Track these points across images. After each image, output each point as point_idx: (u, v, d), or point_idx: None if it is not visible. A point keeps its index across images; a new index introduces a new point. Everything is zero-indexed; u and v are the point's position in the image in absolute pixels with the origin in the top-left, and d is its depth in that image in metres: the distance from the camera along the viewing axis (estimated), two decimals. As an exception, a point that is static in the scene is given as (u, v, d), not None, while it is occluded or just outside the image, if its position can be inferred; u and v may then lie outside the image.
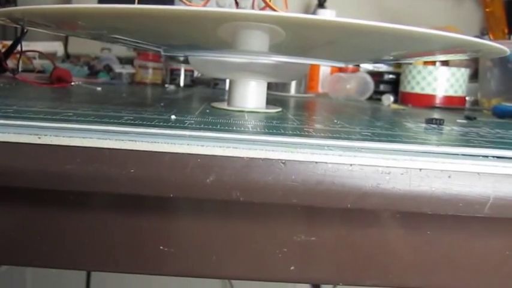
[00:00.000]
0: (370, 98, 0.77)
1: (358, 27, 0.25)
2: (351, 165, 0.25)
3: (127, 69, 0.79)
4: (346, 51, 0.35)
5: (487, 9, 0.68)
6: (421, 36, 0.26)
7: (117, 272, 0.30)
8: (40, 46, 0.93)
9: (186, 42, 0.37)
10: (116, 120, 0.28)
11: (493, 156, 0.26)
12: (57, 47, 1.02)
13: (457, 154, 0.26)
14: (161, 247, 0.29)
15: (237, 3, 0.41)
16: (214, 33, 0.34)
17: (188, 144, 0.24)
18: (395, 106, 0.63)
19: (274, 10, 0.34)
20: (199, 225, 0.29)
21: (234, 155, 0.24)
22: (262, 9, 0.37)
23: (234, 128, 0.28)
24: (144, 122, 0.28)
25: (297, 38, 0.35)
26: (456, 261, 0.29)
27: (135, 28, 0.33)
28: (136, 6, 0.23)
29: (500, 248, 0.29)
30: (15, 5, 1.02)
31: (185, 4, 0.40)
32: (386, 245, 0.29)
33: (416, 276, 0.29)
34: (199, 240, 0.29)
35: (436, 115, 0.55)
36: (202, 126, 0.28)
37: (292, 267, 0.29)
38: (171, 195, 0.25)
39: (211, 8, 0.25)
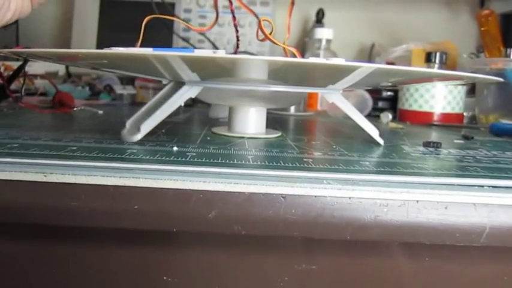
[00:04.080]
0: (368, 115, 0.78)
1: (353, 68, 0.26)
2: (350, 198, 0.25)
3: (128, 90, 0.80)
4: (344, 81, 0.36)
5: (482, 28, 0.68)
6: (418, 74, 0.27)
7: (121, 303, 0.30)
8: (42, 66, 0.93)
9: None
10: (119, 155, 0.29)
11: (489, 186, 0.27)
12: (58, 67, 1.03)
13: (453, 185, 0.27)
14: (165, 277, 0.29)
15: (237, 31, 0.41)
16: (214, 63, 0.35)
17: (190, 181, 0.25)
18: (393, 125, 0.63)
19: (273, 41, 0.35)
20: (202, 256, 0.29)
21: (236, 190, 0.25)
22: (263, 40, 0.38)
23: (235, 161, 0.29)
24: (147, 157, 0.29)
25: (294, 68, 0.36)
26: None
27: (134, 64, 0.34)
28: (133, 51, 0.24)
29: (498, 274, 0.29)
30: (17, 31, 1.02)
31: (191, 28, 0.40)
32: (385, 273, 0.29)
33: (416, 303, 0.29)
34: (202, 270, 0.29)
35: (434, 135, 0.56)
36: (204, 159, 0.29)
37: (293, 296, 0.29)
38: (174, 230, 0.26)
39: (202, 53, 0.26)
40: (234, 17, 0.39)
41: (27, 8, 0.39)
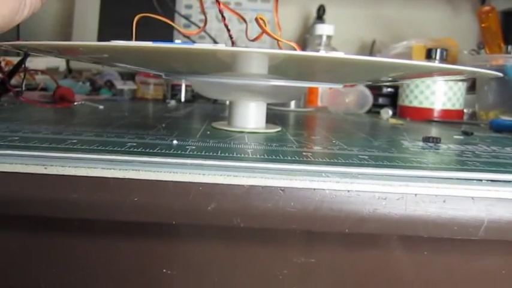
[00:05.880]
0: (369, 111, 0.78)
1: (352, 62, 0.26)
2: (348, 191, 0.25)
3: (128, 86, 0.80)
4: (345, 76, 0.36)
5: (483, 25, 0.68)
6: (419, 68, 0.27)
7: (121, 295, 0.30)
8: (43, 61, 0.94)
9: (186, 67, 0.38)
10: (119, 148, 0.29)
11: (487, 180, 0.27)
12: (59, 62, 1.03)
13: (452, 178, 0.27)
14: (164, 270, 0.29)
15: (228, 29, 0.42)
16: (214, 57, 0.35)
17: (190, 173, 0.25)
18: (393, 121, 0.63)
19: (270, 35, 0.35)
20: (202, 248, 0.29)
21: (235, 183, 0.25)
22: (258, 37, 0.38)
23: (235, 154, 0.29)
24: (147, 150, 0.29)
25: (295, 62, 0.36)
26: (453, 281, 0.29)
27: (135, 57, 0.34)
28: (132, 43, 0.24)
29: (496, 268, 0.29)
30: (18, 27, 1.02)
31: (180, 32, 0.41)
32: (384, 266, 0.29)
33: (414, 297, 0.29)
34: (201, 263, 0.29)
35: (433, 131, 0.56)
36: (203, 153, 0.29)
37: (292, 289, 0.29)
38: (174, 222, 0.26)
39: (204, 46, 0.26)
40: (223, 17, 0.39)
41: (38, 3, 0.39)
